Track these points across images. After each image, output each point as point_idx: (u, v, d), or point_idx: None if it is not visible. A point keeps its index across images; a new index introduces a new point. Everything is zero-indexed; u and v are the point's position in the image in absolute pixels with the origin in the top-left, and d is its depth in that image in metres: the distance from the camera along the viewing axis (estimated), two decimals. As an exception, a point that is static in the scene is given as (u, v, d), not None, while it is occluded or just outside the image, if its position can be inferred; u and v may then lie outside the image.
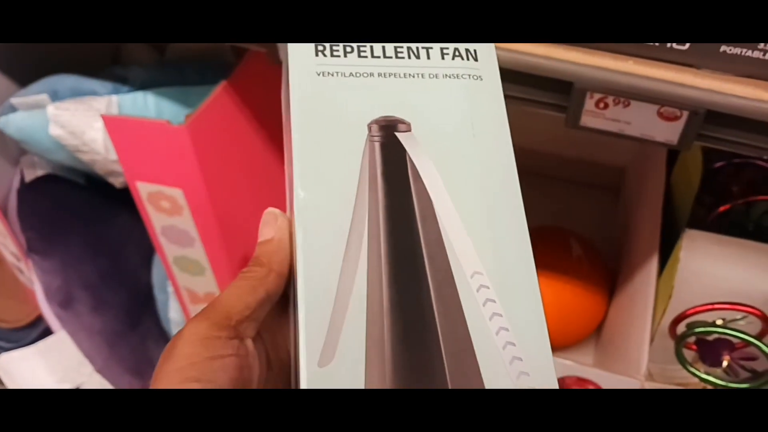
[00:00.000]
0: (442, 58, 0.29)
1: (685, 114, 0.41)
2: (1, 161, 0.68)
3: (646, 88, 0.41)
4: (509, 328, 0.25)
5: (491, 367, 0.24)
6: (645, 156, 0.75)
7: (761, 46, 0.38)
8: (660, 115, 0.42)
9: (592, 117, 0.44)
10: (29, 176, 0.68)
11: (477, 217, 0.27)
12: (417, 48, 0.29)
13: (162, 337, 0.76)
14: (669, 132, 0.43)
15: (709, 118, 0.41)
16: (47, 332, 0.73)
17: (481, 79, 0.29)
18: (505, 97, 0.46)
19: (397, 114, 0.28)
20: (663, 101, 0.41)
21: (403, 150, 0.27)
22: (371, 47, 0.29)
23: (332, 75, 0.28)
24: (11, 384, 0.70)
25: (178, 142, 0.53)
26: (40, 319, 0.75)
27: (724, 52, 0.39)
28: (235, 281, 0.28)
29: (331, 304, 0.25)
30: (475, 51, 0.30)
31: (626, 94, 0.42)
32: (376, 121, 0.28)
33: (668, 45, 0.40)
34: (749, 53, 0.39)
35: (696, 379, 0.58)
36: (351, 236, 0.26)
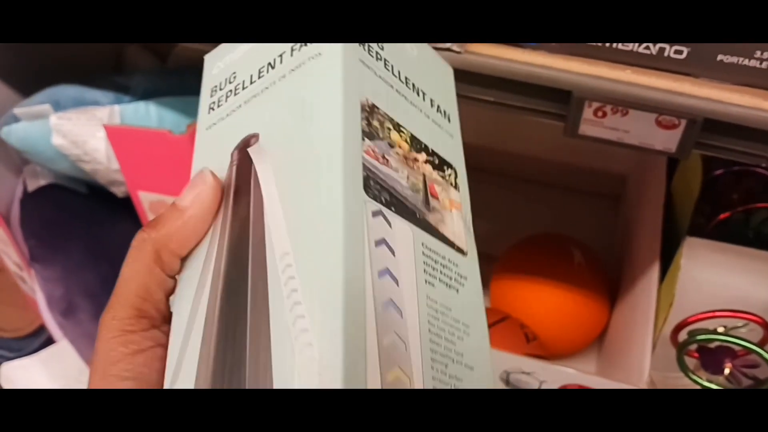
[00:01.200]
0: (291, 55, 0.29)
1: (683, 122, 0.42)
2: (4, 171, 0.69)
3: (644, 96, 0.41)
4: (304, 309, 0.24)
5: (282, 353, 0.23)
6: (645, 164, 0.75)
7: (758, 54, 0.39)
8: (658, 123, 0.42)
9: (590, 126, 0.44)
10: (32, 186, 0.68)
11: (294, 203, 0.26)
12: (274, 59, 0.29)
13: (164, 345, 0.76)
14: (667, 140, 0.43)
15: (707, 127, 0.41)
16: (50, 341, 0.73)
17: (320, 55, 0.28)
18: (505, 105, 0.46)
19: (258, 131, 0.28)
20: (661, 110, 0.41)
21: (251, 163, 0.27)
22: (242, 81, 0.30)
23: (215, 125, 0.29)
24: (13, 393, 0.70)
25: (179, 152, 0.53)
26: (42, 328, 0.75)
27: (722, 61, 0.39)
28: (134, 251, 0.26)
29: (183, 331, 0.26)
30: None
31: (624, 102, 0.42)
32: (235, 147, 0.28)
33: (666, 54, 0.41)
34: (746, 62, 0.39)
35: (698, 387, 0.58)
36: (204, 264, 0.27)
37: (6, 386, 0.71)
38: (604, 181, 0.87)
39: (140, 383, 0.25)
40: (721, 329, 0.56)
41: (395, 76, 0.30)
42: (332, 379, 0.21)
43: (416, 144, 0.29)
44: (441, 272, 0.27)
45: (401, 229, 0.26)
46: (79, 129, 0.59)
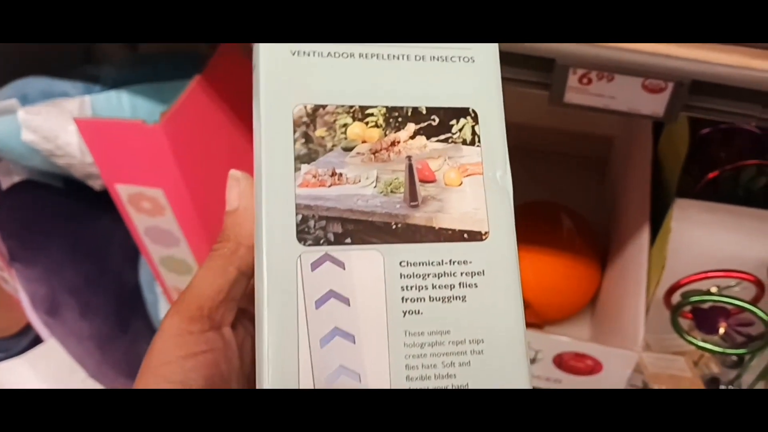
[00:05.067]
0: None
1: (671, 85, 0.41)
2: (-24, 170, 0.67)
3: (629, 61, 0.40)
4: None
5: None
6: (631, 126, 0.75)
7: (745, 11, 0.37)
8: (645, 87, 0.41)
9: (576, 93, 0.43)
10: (5, 183, 0.66)
11: None
12: None
13: (154, 337, 0.75)
14: (655, 104, 0.42)
15: (694, 89, 0.41)
16: (38, 339, 0.72)
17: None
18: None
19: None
20: (647, 73, 0.40)
21: None
22: None
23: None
24: (3, 395, 0.69)
25: (154, 142, 0.51)
26: (29, 326, 0.74)
27: (708, 19, 0.38)
28: (206, 262, 0.27)
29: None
30: None
31: (609, 68, 0.41)
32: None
33: (650, 15, 0.39)
34: (733, 19, 0.38)
35: (693, 347, 0.58)
36: None
37: (-5, 388, 0.70)
38: (589, 144, 0.86)
39: (186, 387, 0.26)
40: (714, 289, 0.55)
41: None
42: None
43: (396, 118, 0.25)
44: (434, 286, 0.24)
45: (363, 260, 0.23)
46: (50, 123, 0.57)
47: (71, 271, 0.68)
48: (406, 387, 0.23)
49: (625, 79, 0.41)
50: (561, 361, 0.60)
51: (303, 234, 0.23)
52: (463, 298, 0.24)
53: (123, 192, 0.56)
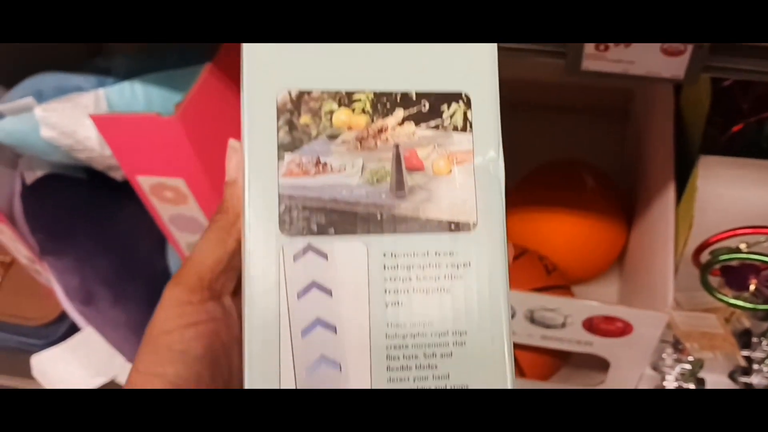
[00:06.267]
0: None
1: (690, 47, 0.39)
2: None
3: (646, 25, 0.39)
4: None
5: None
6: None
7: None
8: (664, 51, 0.40)
9: (593, 60, 0.42)
10: (30, 178, 0.67)
11: None
12: None
13: (187, 319, 0.76)
14: (674, 67, 0.41)
15: (714, 49, 0.39)
16: (75, 325, 0.74)
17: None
18: (500, 49, 0.44)
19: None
20: (665, 37, 0.39)
21: None
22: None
23: None
24: (47, 383, 0.71)
25: (171, 134, 0.51)
26: (65, 313, 0.76)
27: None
28: (205, 233, 0.28)
29: None
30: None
31: (626, 34, 0.40)
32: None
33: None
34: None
35: (724, 305, 0.58)
36: None
37: (38, 377, 0.72)
38: (609, 97, 0.85)
39: (187, 356, 0.26)
40: (743, 246, 0.54)
41: None
42: None
43: (384, 103, 0.24)
44: (418, 278, 0.24)
45: (347, 251, 0.23)
46: (67, 118, 0.58)
47: (102, 260, 0.70)
48: (387, 377, 0.23)
49: (643, 43, 0.40)
50: (591, 325, 0.60)
51: (286, 224, 0.23)
52: (448, 290, 0.24)
53: (144, 183, 0.57)
